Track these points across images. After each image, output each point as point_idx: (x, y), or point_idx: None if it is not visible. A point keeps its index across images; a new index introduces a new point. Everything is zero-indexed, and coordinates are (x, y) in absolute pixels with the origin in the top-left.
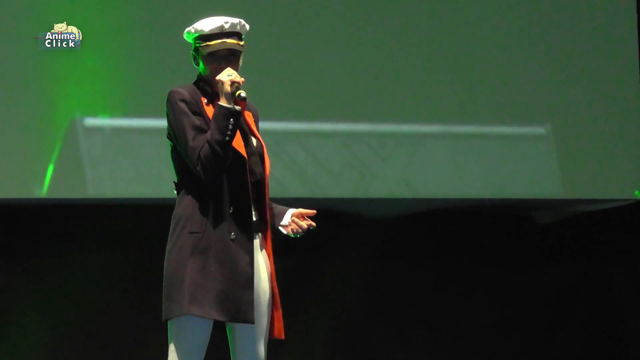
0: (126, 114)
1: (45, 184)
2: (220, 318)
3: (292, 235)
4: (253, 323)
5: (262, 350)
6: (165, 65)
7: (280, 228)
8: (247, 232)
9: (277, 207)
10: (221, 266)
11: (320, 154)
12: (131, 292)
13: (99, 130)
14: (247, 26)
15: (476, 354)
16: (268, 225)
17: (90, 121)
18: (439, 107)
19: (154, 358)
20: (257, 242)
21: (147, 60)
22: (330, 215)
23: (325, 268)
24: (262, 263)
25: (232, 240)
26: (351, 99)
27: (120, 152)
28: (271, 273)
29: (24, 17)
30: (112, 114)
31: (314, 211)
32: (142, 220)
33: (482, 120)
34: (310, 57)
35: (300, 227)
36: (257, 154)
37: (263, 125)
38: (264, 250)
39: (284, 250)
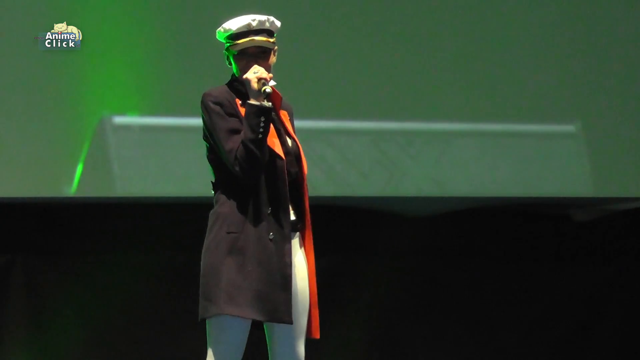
0: (155, 112)
1: (75, 183)
2: (257, 317)
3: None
4: (291, 323)
5: (301, 349)
6: (196, 64)
7: None
8: (286, 232)
9: None
10: (259, 266)
11: (349, 152)
12: (161, 289)
13: (127, 128)
14: (278, 23)
15: (511, 353)
16: (307, 224)
17: (119, 119)
18: (468, 105)
19: (189, 356)
20: (295, 241)
21: (175, 59)
22: (359, 213)
23: (354, 266)
24: (301, 262)
25: (270, 240)
26: (380, 97)
27: (149, 150)
28: (310, 272)
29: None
30: (141, 112)
31: None
32: (171, 219)
33: (512, 118)
34: (340, 56)
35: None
36: (293, 154)
37: (295, 124)
38: (302, 250)
39: (317, 250)
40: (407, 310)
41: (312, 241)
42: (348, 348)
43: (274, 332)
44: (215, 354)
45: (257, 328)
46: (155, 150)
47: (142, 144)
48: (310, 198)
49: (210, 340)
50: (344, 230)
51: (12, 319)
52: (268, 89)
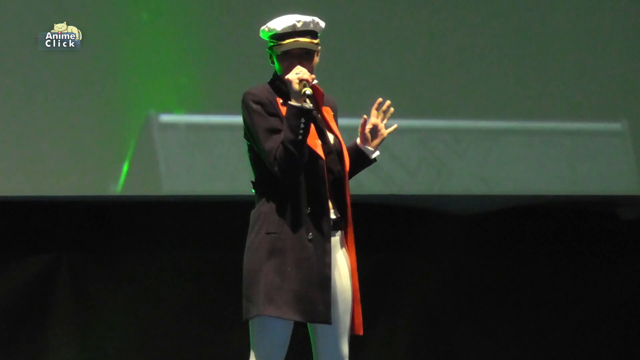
0: (201, 110)
1: (121, 181)
2: (296, 318)
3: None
4: (330, 324)
5: (344, 348)
6: (242, 62)
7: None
8: (325, 232)
9: (350, 149)
10: (298, 267)
11: (396, 150)
12: (208, 288)
13: (174, 126)
14: (322, 24)
15: (560, 351)
16: (349, 222)
17: (166, 118)
18: (515, 103)
19: (236, 354)
20: (336, 240)
21: (223, 57)
22: (407, 211)
23: (403, 265)
24: (342, 261)
25: (310, 240)
26: (427, 95)
27: (195, 148)
28: (352, 269)
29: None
30: (187, 110)
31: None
32: (218, 217)
33: (558, 116)
34: (388, 54)
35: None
36: (335, 152)
37: (341, 122)
38: (344, 248)
39: (362, 248)
40: (453, 308)
41: (353, 239)
42: (393, 346)
43: (317, 330)
44: (257, 355)
45: (303, 327)
46: (201, 148)
47: (188, 142)
48: (358, 196)
49: (253, 341)
50: (390, 228)
51: (58, 317)
52: (308, 91)
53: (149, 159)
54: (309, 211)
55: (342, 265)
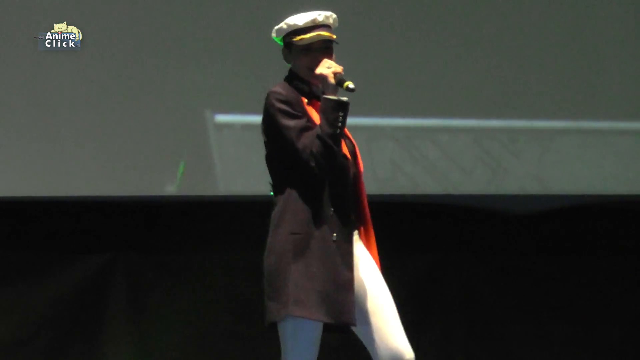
0: (256, 110)
1: (177, 182)
2: (323, 319)
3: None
4: (355, 325)
5: (402, 338)
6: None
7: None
8: (348, 232)
9: None
10: (323, 267)
11: (451, 149)
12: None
13: (229, 126)
14: (337, 20)
15: (612, 351)
16: (368, 222)
17: (221, 118)
18: (571, 102)
19: None
20: (354, 239)
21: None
22: (461, 211)
23: (458, 264)
24: (365, 257)
25: (334, 241)
26: (482, 94)
27: (251, 148)
28: (376, 262)
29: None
30: (243, 110)
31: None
32: None
33: (614, 115)
34: (443, 54)
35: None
36: (351, 153)
37: (396, 121)
38: (362, 247)
39: (419, 247)
40: (509, 309)
41: (374, 237)
42: (448, 346)
43: (367, 329)
44: (290, 357)
45: (327, 331)
46: (257, 148)
47: (244, 142)
48: (412, 195)
49: (283, 343)
50: (446, 228)
51: (113, 317)
52: (351, 85)
53: (205, 159)
54: (332, 212)
55: (366, 261)
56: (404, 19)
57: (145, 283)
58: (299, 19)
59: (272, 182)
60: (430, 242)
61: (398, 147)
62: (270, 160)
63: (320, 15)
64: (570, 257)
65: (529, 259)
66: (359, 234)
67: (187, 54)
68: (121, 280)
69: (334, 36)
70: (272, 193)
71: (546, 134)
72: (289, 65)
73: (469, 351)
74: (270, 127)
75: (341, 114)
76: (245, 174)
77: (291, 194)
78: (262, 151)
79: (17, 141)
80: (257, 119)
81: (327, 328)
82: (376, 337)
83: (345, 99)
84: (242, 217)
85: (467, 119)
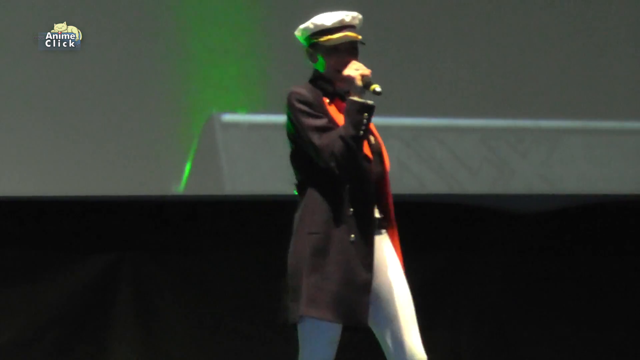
0: (263, 109)
1: (183, 181)
2: (335, 320)
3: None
4: (367, 326)
5: (414, 341)
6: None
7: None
8: (369, 233)
9: None
10: (338, 268)
11: (458, 149)
12: (270, 288)
13: (236, 126)
14: (362, 21)
15: (621, 351)
16: (393, 222)
17: (228, 117)
18: (578, 102)
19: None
20: (380, 238)
21: (285, 57)
22: (469, 211)
23: (465, 264)
24: (390, 257)
25: (352, 242)
26: (489, 94)
27: (257, 148)
28: (400, 263)
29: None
30: (249, 109)
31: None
32: (279, 217)
33: (621, 115)
34: (450, 54)
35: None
36: (376, 153)
37: (403, 121)
38: (389, 246)
39: (426, 247)
40: (516, 308)
41: (398, 238)
42: (456, 346)
43: (382, 328)
44: (305, 356)
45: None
46: (264, 147)
47: (250, 141)
48: (419, 195)
49: (300, 342)
50: (453, 227)
51: (119, 316)
52: (378, 89)
53: (211, 159)
54: (351, 212)
55: (391, 261)
56: (411, 19)
57: (152, 282)
58: (327, 19)
59: (295, 182)
60: (437, 241)
61: (405, 147)
62: (293, 160)
63: (347, 16)
64: (577, 257)
65: (536, 258)
66: (390, 234)
67: (193, 53)
68: (128, 280)
69: (360, 37)
70: (295, 192)
71: (553, 134)
72: (296, 65)
73: (476, 350)
74: (292, 127)
75: (366, 116)
76: (252, 174)
77: (312, 194)
78: (268, 151)
79: (17, 141)
80: (264, 118)
81: (346, 327)
82: (392, 339)
83: (371, 102)
84: (248, 216)
85: (474, 118)
